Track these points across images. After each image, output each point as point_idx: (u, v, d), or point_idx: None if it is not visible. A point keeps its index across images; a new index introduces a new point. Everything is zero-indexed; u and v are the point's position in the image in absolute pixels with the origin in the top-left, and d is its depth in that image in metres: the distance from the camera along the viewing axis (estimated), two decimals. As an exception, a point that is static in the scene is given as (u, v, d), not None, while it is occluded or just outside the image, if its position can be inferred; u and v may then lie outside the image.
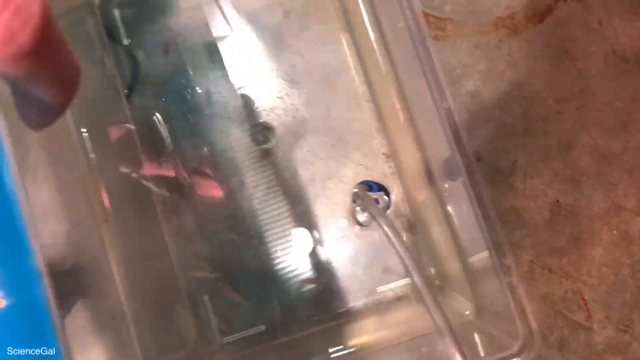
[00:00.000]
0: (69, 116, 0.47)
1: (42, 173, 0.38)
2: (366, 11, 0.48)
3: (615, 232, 0.57)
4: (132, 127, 0.54)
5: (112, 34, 0.57)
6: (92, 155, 0.48)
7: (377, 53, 0.48)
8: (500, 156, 0.58)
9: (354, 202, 0.52)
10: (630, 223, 0.57)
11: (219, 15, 0.57)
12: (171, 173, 0.55)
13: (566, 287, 0.57)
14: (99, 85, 0.54)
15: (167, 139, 0.55)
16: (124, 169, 0.52)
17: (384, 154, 0.56)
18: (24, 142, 0.35)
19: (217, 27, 0.57)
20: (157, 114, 0.55)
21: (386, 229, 0.38)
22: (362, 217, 0.52)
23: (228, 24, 0.56)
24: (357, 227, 0.53)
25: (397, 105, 0.47)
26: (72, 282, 0.38)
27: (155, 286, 0.51)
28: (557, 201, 0.58)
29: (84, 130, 0.46)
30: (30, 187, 0.32)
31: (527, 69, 0.59)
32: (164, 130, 0.55)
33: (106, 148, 0.49)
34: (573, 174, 0.58)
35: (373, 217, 0.42)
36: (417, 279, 0.35)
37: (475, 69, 0.59)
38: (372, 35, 0.48)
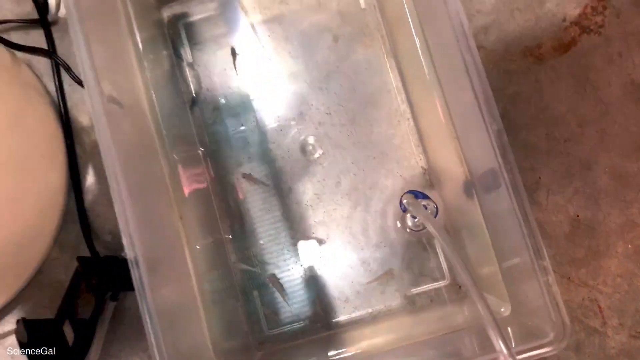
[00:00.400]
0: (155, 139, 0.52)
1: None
2: (417, 37, 0.53)
3: (629, 245, 0.63)
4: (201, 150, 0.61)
5: (178, 51, 0.63)
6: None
7: (427, 74, 0.53)
8: (526, 173, 0.63)
9: (404, 210, 0.57)
10: (644, 238, 0.63)
11: (275, 39, 0.63)
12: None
13: (583, 295, 0.62)
14: (171, 97, 0.60)
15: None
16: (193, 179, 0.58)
17: (422, 167, 0.61)
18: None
19: (272, 49, 0.63)
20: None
21: (435, 231, 0.44)
22: (411, 222, 0.58)
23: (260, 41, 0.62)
24: (408, 231, 0.58)
25: (443, 119, 0.52)
26: (161, 270, 0.43)
27: (216, 278, 0.57)
28: (577, 216, 0.63)
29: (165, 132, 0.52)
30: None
31: (552, 95, 0.65)
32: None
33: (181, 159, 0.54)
34: (592, 192, 0.63)
35: (424, 222, 0.47)
36: (465, 276, 0.41)
37: (505, 93, 0.64)
38: (423, 61, 0.53)
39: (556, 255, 0.63)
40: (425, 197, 0.57)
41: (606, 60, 0.65)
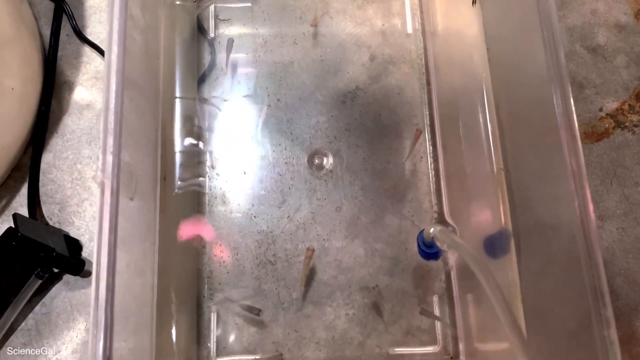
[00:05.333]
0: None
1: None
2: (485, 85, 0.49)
3: None
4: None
5: (201, 25, 0.57)
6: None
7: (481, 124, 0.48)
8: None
9: (422, 253, 0.49)
10: None
11: (309, 40, 0.58)
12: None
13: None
14: (185, 66, 0.53)
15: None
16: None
17: (436, 212, 0.54)
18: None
19: (303, 48, 0.58)
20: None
21: (471, 258, 0.36)
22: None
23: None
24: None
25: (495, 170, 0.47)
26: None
27: (179, 284, 0.47)
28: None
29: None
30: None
31: (577, 180, 0.60)
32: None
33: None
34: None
35: (456, 248, 0.40)
36: (501, 309, 0.33)
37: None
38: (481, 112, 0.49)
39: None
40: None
41: (637, 160, 0.62)
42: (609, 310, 0.33)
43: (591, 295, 0.33)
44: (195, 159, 0.54)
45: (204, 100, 0.54)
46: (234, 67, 0.57)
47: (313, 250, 0.50)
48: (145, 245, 0.38)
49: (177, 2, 0.55)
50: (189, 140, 0.53)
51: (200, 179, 0.54)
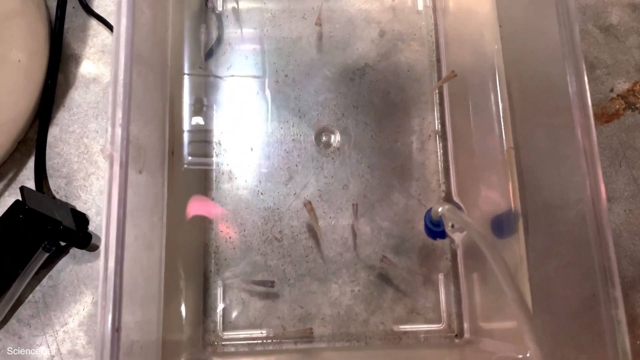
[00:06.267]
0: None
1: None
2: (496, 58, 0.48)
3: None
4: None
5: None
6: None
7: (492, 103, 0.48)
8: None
9: (428, 232, 0.49)
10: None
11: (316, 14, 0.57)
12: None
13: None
14: (193, 40, 0.52)
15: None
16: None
17: (443, 191, 0.54)
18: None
19: (311, 22, 0.57)
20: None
21: (480, 237, 0.36)
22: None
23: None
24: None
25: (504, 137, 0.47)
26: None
27: (186, 255, 0.47)
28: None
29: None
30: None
31: (586, 161, 0.60)
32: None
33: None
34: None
35: (465, 226, 0.40)
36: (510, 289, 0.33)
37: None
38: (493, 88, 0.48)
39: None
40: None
41: (647, 141, 0.62)
42: (617, 290, 0.33)
43: (600, 275, 0.33)
44: (203, 135, 0.54)
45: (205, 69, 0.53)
46: (242, 42, 0.56)
47: (310, 202, 0.50)
48: (153, 220, 0.38)
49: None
50: (197, 118, 0.53)
51: (208, 159, 0.54)
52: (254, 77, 0.56)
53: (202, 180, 0.53)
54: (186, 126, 0.51)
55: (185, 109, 0.50)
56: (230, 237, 0.52)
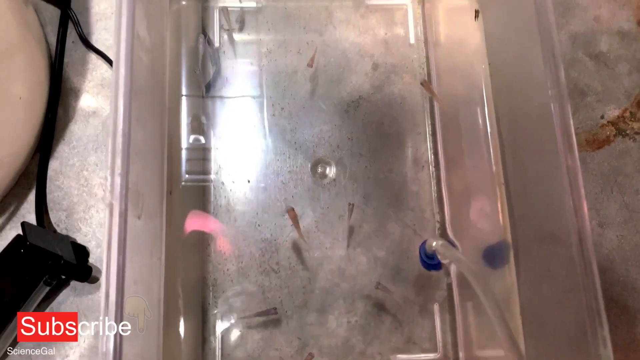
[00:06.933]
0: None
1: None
2: (485, 86, 0.49)
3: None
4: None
5: (206, 34, 0.57)
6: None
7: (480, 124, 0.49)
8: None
9: (423, 263, 0.50)
10: None
11: (312, 48, 0.58)
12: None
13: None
14: (190, 77, 0.53)
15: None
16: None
17: (438, 222, 0.55)
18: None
19: (306, 57, 0.58)
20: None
21: (472, 276, 0.37)
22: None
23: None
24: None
25: (494, 169, 0.48)
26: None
27: (185, 293, 0.48)
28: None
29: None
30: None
31: (579, 188, 0.61)
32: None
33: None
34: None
35: (456, 263, 0.41)
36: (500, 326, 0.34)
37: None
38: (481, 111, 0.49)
39: None
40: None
41: (638, 167, 0.63)
42: (605, 329, 0.34)
43: (588, 315, 0.34)
44: (201, 172, 0.55)
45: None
46: (239, 76, 0.57)
47: (293, 209, 0.50)
48: (152, 261, 0.39)
49: (183, 2, 0.56)
50: (196, 154, 0.54)
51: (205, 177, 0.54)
52: (251, 110, 0.57)
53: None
54: (184, 166, 0.52)
55: (184, 151, 0.51)
56: (227, 269, 0.53)
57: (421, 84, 0.55)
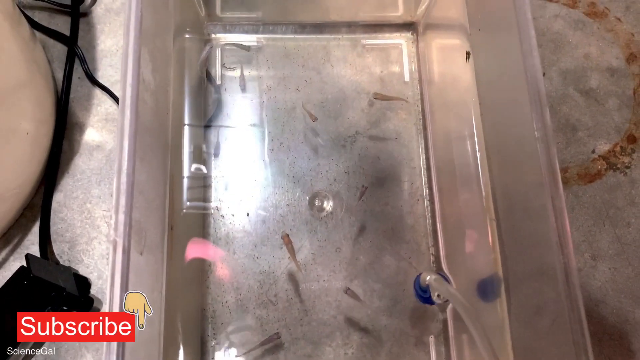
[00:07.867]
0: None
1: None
2: (475, 120, 0.51)
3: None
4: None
5: (208, 72, 0.59)
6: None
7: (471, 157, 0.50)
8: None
9: (418, 295, 0.51)
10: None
11: (311, 85, 0.60)
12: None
13: None
14: (193, 110, 0.55)
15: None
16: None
17: (432, 254, 0.56)
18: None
19: (305, 94, 0.60)
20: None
21: (465, 312, 0.38)
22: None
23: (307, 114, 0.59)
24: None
25: (485, 203, 0.49)
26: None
27: (185, 326, 0.49)
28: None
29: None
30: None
31: (571, 221, 0.62)
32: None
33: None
34: (596, 331, 0.59)
35: (450, 298, 0.42)
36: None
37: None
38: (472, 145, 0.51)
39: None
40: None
41: (628, 201, 0.64)
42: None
43: (575, 351, 0.34)
44: (202, 208, 0.56)
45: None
46: (239, 112, 0.59)
47: (287, 235, 0.51)
48: (153, 296, 0.40)
49: (187, 36, 0.58)
50: (196, 192, 0.56)
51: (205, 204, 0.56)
52: (251, 145, 0.58)
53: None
54: (185, 194, 0.54)
55: (185, 186, 0.53)
56: (226, 302, 0.54)
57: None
